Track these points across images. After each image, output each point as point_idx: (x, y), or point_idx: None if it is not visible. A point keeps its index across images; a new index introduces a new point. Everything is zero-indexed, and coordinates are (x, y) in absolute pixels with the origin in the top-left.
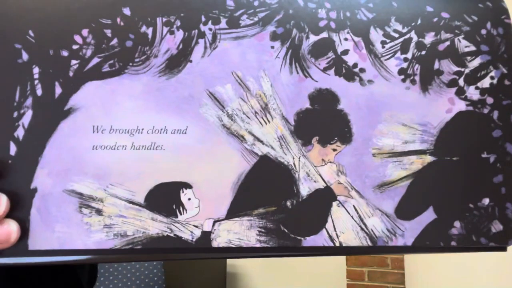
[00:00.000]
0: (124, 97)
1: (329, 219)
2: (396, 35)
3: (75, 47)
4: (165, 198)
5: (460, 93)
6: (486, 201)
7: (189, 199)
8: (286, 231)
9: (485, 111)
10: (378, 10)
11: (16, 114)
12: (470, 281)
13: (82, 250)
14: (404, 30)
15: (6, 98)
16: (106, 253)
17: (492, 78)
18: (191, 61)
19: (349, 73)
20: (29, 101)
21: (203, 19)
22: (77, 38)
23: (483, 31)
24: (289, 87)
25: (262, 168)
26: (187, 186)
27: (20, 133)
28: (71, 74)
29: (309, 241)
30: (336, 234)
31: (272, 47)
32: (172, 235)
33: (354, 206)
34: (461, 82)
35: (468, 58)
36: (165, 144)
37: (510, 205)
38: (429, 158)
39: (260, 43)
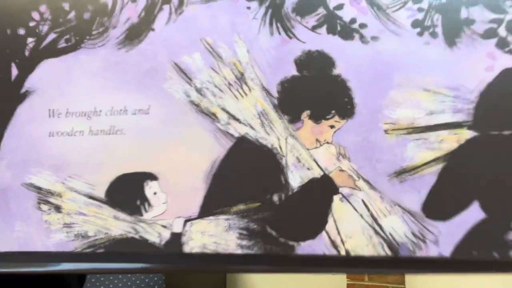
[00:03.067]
0: (80, 75)
1: (330, 219)
2: None
3: (32, 24)
4: (127, 192)
5: (503, 45)
6: None
7: (155, 193)
8: (274, 234)
9: None
10: None
11: None
12: (470, 282)
13: (43, 256)
14: None
15: None
16: (68, 259)
17: None
18: (153, 30)
19: (346, 30)
20: None
21: None
22: (35, 15)
23: None
24: (270, 51)
25: (240, 153)
26: (152, 177)
27: None
28: (27, 53)
29: (305, 247)
30: (341, 239)
31: (249, 7)
32: (137, 237)
33: (363, 201)
34: (502, 31)
35: (508, 2)
36: (126, 127)
37: None
38: (467, 134)
39: (234, 4)
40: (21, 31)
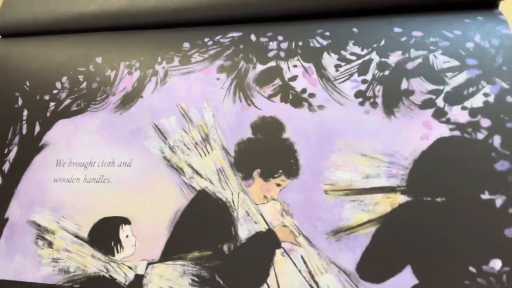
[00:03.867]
0: (83, 132)
1: (272, 272)
2: (353, 58)
3: (54, 91)
4: (105, 234)
5: (440, 115)
6: (496, 264)
7: (127, 236)
8: (221, 282)
9: (480, 136)
10: (334, 37)
11: (6, 150)
12: None
13: (31, 286)
14: (363, 52)
15: (1, 137)
16: None
17: (486, 95)
18: (142, 97)
19: (297, 99)
20: (16, 139)
21: (159, 59)
22: (58, 84)
23: (469, 44)
24: (231, 116)
25: (199, 204)
26: (126, 222)
27: (6, 167)
28: (48, 114)
29: None
30: None
31: (218, 78)
32: (107, 275)
33: (302, 257)
34: (439, 102)
35: (449, 74)
36: (112, 177)
37: None
38: (400, 198)
39: (207, 76)
40: (46, 97)
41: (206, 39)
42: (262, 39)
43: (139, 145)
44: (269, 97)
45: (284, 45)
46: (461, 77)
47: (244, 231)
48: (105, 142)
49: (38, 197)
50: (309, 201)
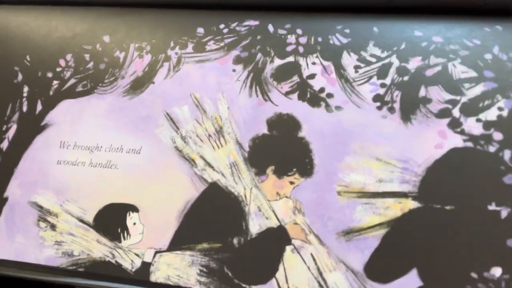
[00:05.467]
0: (89, 115)
1: (281, 267)
2: (373, 60)
3: (58, 69)
4: (112, 220)
5: (455, 125)
6: (497, 271)
7: (134, 223)
8: (230, 274)
9: (492, 149)
10: (354, 35)
11: (5, 127)
12: None
13: (33, 267)
14: (383, 55)
15: None
16: (54, 272)
17: (500, 109)
18: (153, 83)
19: (314, 98)
20: (16, 116)
21: (171, 44)
22: (61, 62)
23: (488, 56)
24: (247, 110)
25: (210, 197)
26: (134, 209)
27: (5, 145)
28: (51, 93)
29: None
30: (288, 287)
31: (234, 70)
32: (113, 261)
33: (312, 255)
34: (456, 112)
35: (466, 85)
36: (120, 163)
37: None
38: (411, 204)
39: (222, 66)
40: (49, 74)
41: (222, 26)
42: (281, 31)
43: (150, 132)
44: (286, 94)
45: (303, 40)
46: (478, 89)
47: (255, 226)
48: (114, 126)
49: (40, 178)
50: (321, 200)
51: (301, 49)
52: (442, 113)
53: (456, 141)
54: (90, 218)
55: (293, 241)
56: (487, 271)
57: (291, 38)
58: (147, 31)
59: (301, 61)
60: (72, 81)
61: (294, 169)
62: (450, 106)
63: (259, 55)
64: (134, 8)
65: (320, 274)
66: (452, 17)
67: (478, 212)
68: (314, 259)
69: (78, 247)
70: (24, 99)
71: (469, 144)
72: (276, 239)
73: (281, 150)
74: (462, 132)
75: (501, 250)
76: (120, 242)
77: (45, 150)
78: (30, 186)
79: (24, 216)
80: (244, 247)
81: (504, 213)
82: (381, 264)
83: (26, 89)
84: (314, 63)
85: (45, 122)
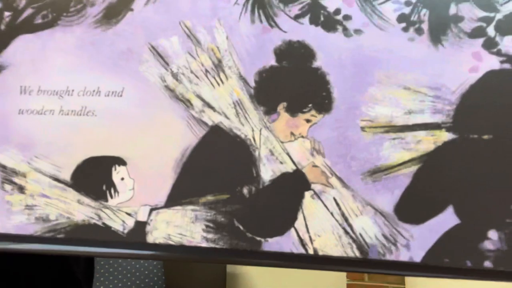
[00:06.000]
0: (55, 53)
1: (300, 216)
2: None
3: None
4: (94, 176)
5: (490, 45)
6: None
7: (122, 178)
8: (241, 228)
9: None
10: None
11: None
12: (470, 282)
13: (1, 237)
14: None
15: None
16: (27, 240)
17: None
18: (132, 10)
19: (329, 21)
20: None
21: None
22: None
23: None
24: (250, 39)
25: (212, 143)
26: (121, 162)
27: None
28: (3, 27)
29: (272, 244)
30: (310, 237)
31: None
32: (100, 223)
33: (335, 199)
34: (490, 31)
35: (500, 0)
36: (98, 109)
37: None
38: (446, 136)
39: None
40: None
41: None
42: None
43: (132, 70)
44: (296, 18)
45: None
46: None
47: (267, 172)
48: (86, 65)
49: None
50: (343, 138)
51: None
52: (476, 33)
53: (492, 63)
54: (67, 175)
55: (312, 185)
56: None
57: None
58: None
59: None
60: (29, 11)
61: (310, 105)
62: (484, 24)
63: None
64: None
65: (346, 219)
66: None
67: None
68: (337, 204)
69: (55, 210)
70: None
71: (507, 66)
72: (293, 185)
73: (293, 84)
74: (498, 53)
75: None
76: (106, 201)
77: (1, 98)
78: None
79: None
80: (256, 196)
81: None
82: (414, 204)
83: None
84: None
85: None
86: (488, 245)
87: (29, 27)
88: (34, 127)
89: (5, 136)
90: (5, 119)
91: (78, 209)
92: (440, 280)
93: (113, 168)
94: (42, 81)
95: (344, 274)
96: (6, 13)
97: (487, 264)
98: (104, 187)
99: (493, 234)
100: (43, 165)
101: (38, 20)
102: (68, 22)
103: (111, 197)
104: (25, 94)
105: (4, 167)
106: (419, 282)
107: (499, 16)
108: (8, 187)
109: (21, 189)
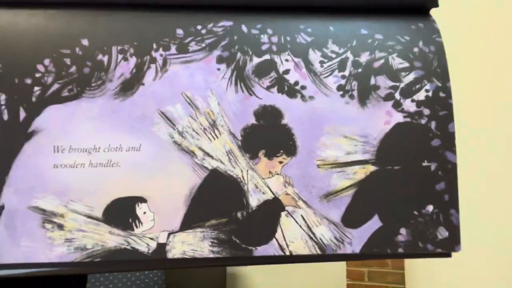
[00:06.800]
0: (81, 119)
1: (279, 229)
2: (334, 55)
3: (37, 75)
4: (121, 212)
5: (397, 106)
6: (430, 208)
7: (144, 212)
8: (237, 241)
9: (423, 121)
10: (316, 34)
11: None
12: (470, 282)
13: (46, 265)
14: (341, 51)
15: None
16: (68, 265)
17: (427, 91)
18: (143, 84)
19: (291, 90)
20: None
21: (154, 46)
22: (40, 67)
23: (415, 49)
24: (235, 104)
25: (212, 181)
26: (142, 200)
27: None
28: (33, 99)
29: (260, 250)
30: (286, 244)
31: (219, 69)
32: (129, 247)
33: (302, 216)
34: (397, 95)
35: (403, 73)
36: (121, 161)
37: (454, 212)
38: (371, 168)
39: (207, 65)
40: (28, 81)
41: (199, 27)
42: (253, 31)
43: (147, 131)
44: (268, 88)
45: (274, 39)
46: (411, 76)
47: (254, 201)
48: (109, 128)
49: (37, 183)
50: (305, 173)
51: (274, 47)
52: (388, 97)
53: (399, 117)
54: (98, 213)
55: (286, 208)
56: (424, 209)
57: (264, 38)
58: (125, 33)
59: (276, 58)
60: (56, 86)
61: (281, 151)
62: (393, 91)
63: (239, 54)
64: (101, 10)
65: (310, 229)
66: (387, 16)
67: (416, 168)
68: (304, 219)
69: (91, 241)
70: (3, 107)
71: (408, 119)
72: (273, 208)
73: (268, 136)
74: (402, 111)
75: (432, 193)
76: (133, 230)
77: (38, 156)
78: (27, 192)
79: (26, 222)
80: (247, 218)
81: (432, 167)
82: (353, 215)
83: (3, 97)
84: (287, 60)
85: (33, 128)
86: (400, 238)
87: (57, 98)
88: (68, 177)
89: (43, 186)
90: (42, 172)
91: (110, 238)
92: (438, 278)
93: (137, 205)
94: (72, 142)
95: (344, 274)
96: (36, 88)
97: (400, 250)
98: (130, 220)
99: (403, 230)
100: (78, 207)
101: (65, 93)
102: (91, 95)
103: (136, 227)
104: (58, 152)
105: (44, 210)
106: (419, 282)
107: (402, 85)
108: (48, 225)
109: (60, 226)
